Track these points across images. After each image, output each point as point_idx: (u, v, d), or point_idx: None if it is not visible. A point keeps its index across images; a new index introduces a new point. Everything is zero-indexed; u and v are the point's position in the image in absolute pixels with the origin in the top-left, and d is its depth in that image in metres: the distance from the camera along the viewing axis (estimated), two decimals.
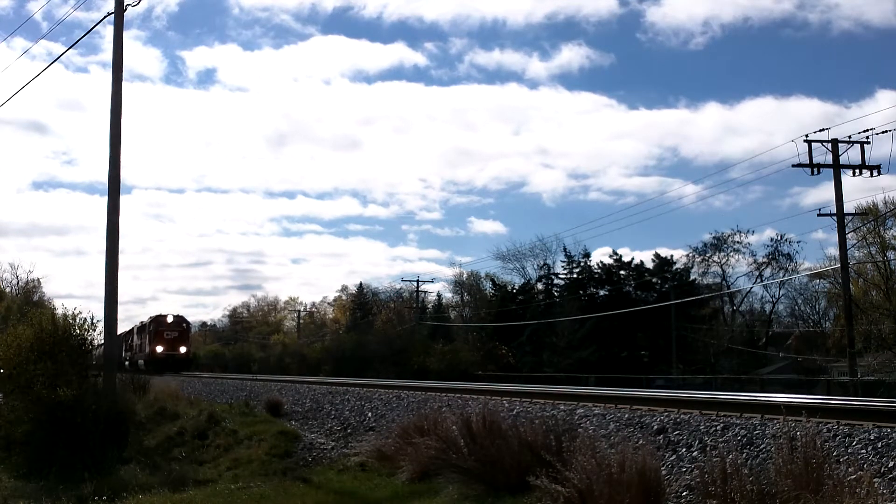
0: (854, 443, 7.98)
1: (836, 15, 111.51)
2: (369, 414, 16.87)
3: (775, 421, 8.97)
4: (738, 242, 57.79)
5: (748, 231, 57.69)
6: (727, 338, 53.62)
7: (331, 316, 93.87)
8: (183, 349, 58.06)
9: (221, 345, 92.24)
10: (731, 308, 62.01)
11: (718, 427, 9.56)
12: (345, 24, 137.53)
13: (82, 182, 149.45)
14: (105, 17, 20.09)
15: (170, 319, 59.20)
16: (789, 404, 9.61)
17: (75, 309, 19.50)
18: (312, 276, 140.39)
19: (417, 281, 71.64)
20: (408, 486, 11.48)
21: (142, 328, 63.23)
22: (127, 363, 65.03)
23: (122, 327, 70.31)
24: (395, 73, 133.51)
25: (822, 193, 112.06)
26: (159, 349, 56.81)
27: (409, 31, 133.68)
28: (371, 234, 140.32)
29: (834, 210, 33.56)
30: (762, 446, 8.53)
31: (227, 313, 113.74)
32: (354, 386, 22.72)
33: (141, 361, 59.98)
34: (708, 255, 58.61)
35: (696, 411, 10.68)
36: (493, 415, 11.33)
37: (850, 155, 33.72)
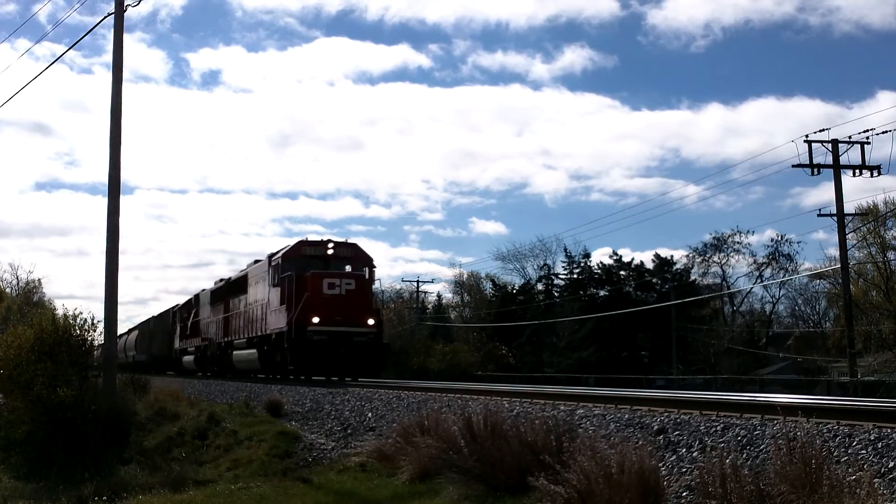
0: (854, 443, 7.97)
1: (837, 18, 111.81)
2: (369, 414, 16.87)
3: (775, 421, 8.97)
4: (738, 243, 57.91)
5: (748, 231, 57.86)
6: (727, 338, 53.65)
7: None
8: (371, 321, 27.06)
9: None
10: (732, 308, 62.03)
11: (718, 427, 9.56)
12: (348, 26, 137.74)
13: (85, 183, 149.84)
14: (105, 17, 20.12)
15: (331, 249, 28.20)
16: (789, 405, 9.62)
17: (76, 309, 19.53)
18: None
19: (417, 281, 71.60)
20: (408, 487, 11.48)
21: (236, 285, 34.53)
22: (191, 356, 41.38)
23: (122, 328, 64.64)
24: (399, 75, 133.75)
25: (823, 194, 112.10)
26: (315, 320, 26.09)
27: (412, 33, 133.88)
28: (373, 235, 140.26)
29: (834, 210, 33.59)
30: (762, 447, 8.53)
31: None
32: (354, 386, 22.72)
33: (242, 352, 31.90)
34: (708, 255, 58.70)
35: (696, 412, 10.68)
36: (494, 415, 11.33)
37: (851, 155, 33.77)
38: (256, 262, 33.28)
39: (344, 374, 27.13)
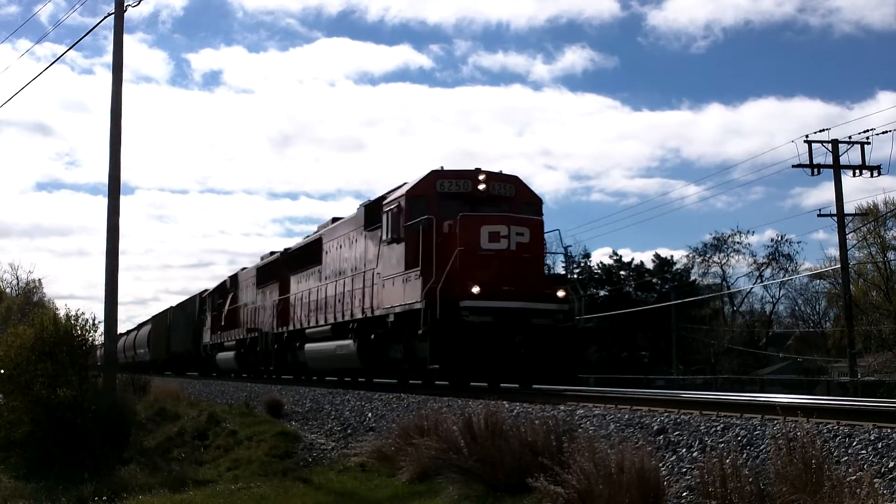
0: (854, 443, 7.97)
1: (838, 18, 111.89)
2: (369, 414, 16.85)
3: (775, 421, 8.96)
4: (738, 243, 57.94)
5: (748, 231, 57.91)
6: (727, 338, 53.67)
7: None
8: (560, 292, 17.73)
9: None
10: (732, 308, 62.04)
11: (719, 427, 9.55)
12: (349, 26, 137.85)
13: (86, 183, 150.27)
14: (105, 17, 20.14)
15: (483, 183, 18.70)
16: (789, 405, 9.62)
17: (78, 310, 19.57)
18: None
19: None
20: (408, 487, 11.48)
21: (303, 255, 26.71)
22: (229, 353, 33.49)
23: (122, 327, 61.32)
24: (400, 75, 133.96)
25: (823, 194, 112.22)
26: (475, 290, 16.63)
27: (413, 34, 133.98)
28: None
29: (834, 210, 33.61)
30: (762, 447, 8.53)
31: None
32: (354, 386, 22.71)
33: (324, 346, 23.36)
34: (708, 255, 58.74)
35: (696, 412, 10.67)
36: (494, 415, 11.32)
37: (851, 156, 33.87)
38: (335, 220, 25.09)
39: (519, 379, 17.89)
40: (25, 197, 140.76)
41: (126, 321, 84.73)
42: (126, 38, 19.90)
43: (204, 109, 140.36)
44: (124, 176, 19.63)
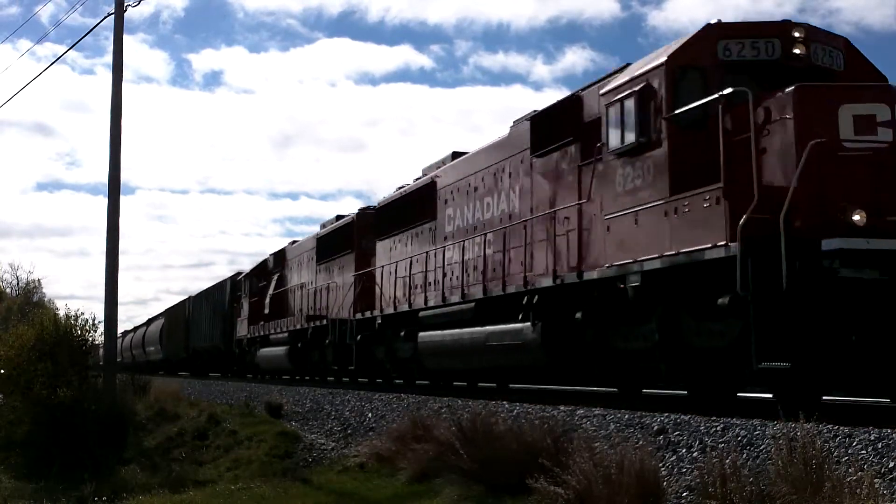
0: (854, 443, 7.96)
1: (838, 19, 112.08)
2: (369, 415, 16.85)
3: (775, 421, 8.95)
4: None
5: None
6: None
7: None
8: None
9: None
10: None
11: (718, 427, 9.54)
12: (350, 27, 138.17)
13: (86, 184, 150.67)
14: (105, 17, 20.19)
15: (800, 45, 10.89)
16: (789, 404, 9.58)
17: (78, 310, 19.61)
18: None
19: None
20: (407, 487, 11.47)
21: (404, 209, 19.83)
22: (278, 349, 27.69)
23: (122, 327, 59.25)
24: (400, 76, 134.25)
25: None
26: (856, 218, 8.79)
27: (414, 34, 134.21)
28: None
29: None
30: (762, 447, 8.52)
31: None
32: (354, 386, 22.72)
33: (448, 333, 16.53)
34: None
35: (696, 412, 10.66)
36: (493, 415, 11.33)
37: None
38: (456, 155, 18.77)
39: None
40: (26, 197, 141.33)
41: (126, 321, 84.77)
42: (126, 38, 19.97)
43: (204, 109, 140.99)
44: (124, 176, 19.66)
